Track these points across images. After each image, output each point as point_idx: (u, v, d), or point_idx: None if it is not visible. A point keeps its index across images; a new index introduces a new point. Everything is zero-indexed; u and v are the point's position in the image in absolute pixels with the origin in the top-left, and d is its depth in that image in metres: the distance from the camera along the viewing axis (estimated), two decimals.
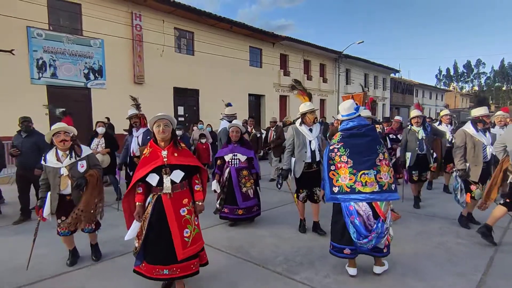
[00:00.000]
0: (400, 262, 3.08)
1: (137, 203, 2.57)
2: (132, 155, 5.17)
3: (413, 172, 4.98)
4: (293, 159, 3.84)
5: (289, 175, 3.91)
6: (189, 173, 2.63)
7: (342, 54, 22.14)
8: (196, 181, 2.69)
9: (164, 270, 2.46)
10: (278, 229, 4.14)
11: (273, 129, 7.69)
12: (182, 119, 13.87)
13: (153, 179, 2.50)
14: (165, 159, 2.50)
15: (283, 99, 19.45)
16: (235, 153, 4.26)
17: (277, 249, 3.51)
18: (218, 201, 4.31)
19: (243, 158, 4.26)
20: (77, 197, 3.06)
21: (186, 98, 14.30)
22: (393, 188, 2.72)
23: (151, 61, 12.59)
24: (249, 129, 7.65)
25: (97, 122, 6.27)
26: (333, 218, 2.91)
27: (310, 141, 3.74)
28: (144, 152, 2.64)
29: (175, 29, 13.62)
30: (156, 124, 2.55)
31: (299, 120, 3.86)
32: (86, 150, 3.22)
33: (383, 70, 28.55)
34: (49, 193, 2.99)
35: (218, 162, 4.37)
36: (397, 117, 6.91)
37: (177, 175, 2.53)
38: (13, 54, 9.51)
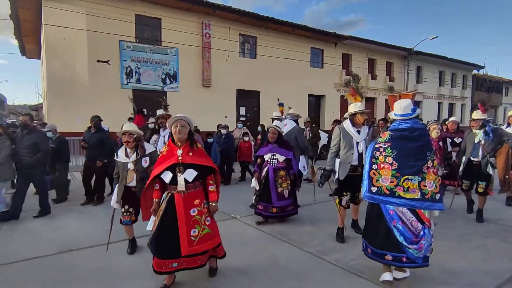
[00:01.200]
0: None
1: (154, 199, 2.72)
2: (159, 154, 5.62)
3: (464, 181, 4.66)
4: (337, 160, 3.70)
5: (331, 176, 3.80)
6: (203, 174, 2.70)
7: (412, 51, 20.74)
8: (210, 182, 2.75)
9: (173, 263, 2.60)
10: (316, 221, 4.49)
11: (307, 129, 7.66)
12: (244, 119, 14.82)
13: (166, 177, 2.62)
14: (179, 158, 2.60)
15: (344, 99, 19.11)
16: (274, 153, 4.34)
17: (314, 235, 3.91)
18: (254, 197, 4.49)
19: (281, 158, 4.33)
20: (140, 189, 3.23)
21: (248, 99, 15.23)
22: (437, 198, 2.58)
23: (217, 65, 13.80)
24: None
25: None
26: (371, 221, 2.79)
27: (357, 143, 3.61)
28: (162, 151, 2.80)
29: (240, 35, 14.64)
30: (173, 125, 2.66)
31: (347, 120, 3.75)
32: (149, 148, 3.50)
33: (463, 67, 25.72)
34: (116, 186, 3.32)
35: (258, 160, 4.51)
36: (452, 118, 6.46)
37: (190, 174, 2.62)
38: (109, 64, 11.55)
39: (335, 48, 18.02)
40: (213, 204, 2.72)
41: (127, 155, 3.35)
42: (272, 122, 5.57)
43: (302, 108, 16.25)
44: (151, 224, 2.74)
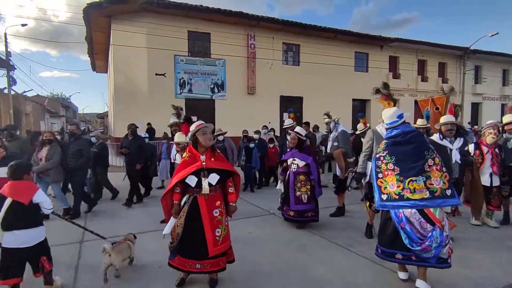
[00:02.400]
0: (457, 254, 3.20)
1: (174, 202, 2.83)
2: (172, 161, 5.53)
3: (502, 186, 4.53)
4: (369, 164, 3.71)
5: (362, 180, 3.86)
6: (223, 177, 2.87)
7: (468, 49, 19.41)
8: (230, 184, 2.91)
9: (197, 264, 2.72)
10: (349, 218, 4.82)
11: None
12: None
13: (192, 181, 2.74)
14: (203, 163, 2.75)
15: (458, 105, 18.51)
16: (294, 158, 4.47)
17: (344, 230, 4.27)
18: (280, 199, 4.77)
19: (301, 163, 4.41)
20: None
21: (291, 105, 15.61)
22: (448, 194, 2.61)
23: (261, 74, 14.52)
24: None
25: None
26: (382, 225, 2.92)
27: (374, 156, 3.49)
28: (183, 156, 2.90)
29: (283, 43, 15.22)
30: (202, 131, 2.80)
31: (381, 124, 3.70)
32: None
33: None
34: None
35: (284, 165, 4.67)
36: (492, 121, 6.10)
37: (213, 178, 2.77)
38: (165, 77, 12.91)
39: (381, 51, 17.68)
40: (233, 205, 2.90)
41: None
42: (285, 133, 5.86)
43: (346, 112, 16.21)
44: (169, 227, 2.82)
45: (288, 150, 4.86)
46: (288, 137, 5.53)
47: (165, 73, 12.85)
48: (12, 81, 16.63)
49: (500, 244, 3.79)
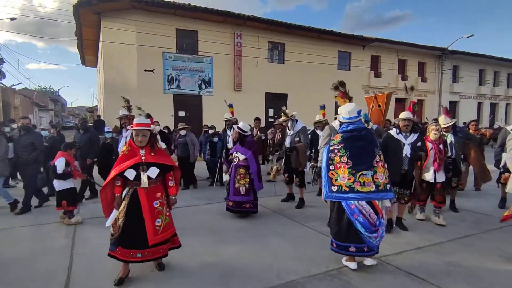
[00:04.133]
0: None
1: (116, 195, 2.90)
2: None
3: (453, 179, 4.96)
4: None
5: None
6: (164, 171, 2.98)
7: (447, 50, 20.34)
8: (170, 178, 3.03)
9: (138, 253, 2.81)
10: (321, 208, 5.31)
11: (279, 130, 7.57)
12: (272, 119, 15.95)
13: (130, 174, 2.82)
14: (142, 158, 2.85)
15: (417, 103, 19.33)
16: (237, 152, 4.73)
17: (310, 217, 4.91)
18: (226, 189, 5.07)
19: (241, 157, 4.65)
20: None
21: (276, 101, 16.31)
22: (388, 188, 2.91)
23: (247, 71, 15.08)
24: (254, 131, 7.74)
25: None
26: (334, 217, 3.04)
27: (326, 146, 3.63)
28: (123, 150, 2.98)
29: (269, 42, 15.80)
30: (135, 133, 2.91)
31: (337, 120, 4.01)
32: (162, 145, 4.05)
33: (507, 65, 24.33)
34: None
35: (230, 157, 4.94)
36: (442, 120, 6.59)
37: (153, 172, 2.87)
38: (154, 73, 13.35)
39: (363, 50, 18.42)
40: (173, 197, 3.05)
41: None
42: (225, 124, 6.35)
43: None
44: (111, 220, 2.89)
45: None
46: (229, 132, 6.08)
47: (153, 69, 13.30)
48: (1, 75, 16.80)
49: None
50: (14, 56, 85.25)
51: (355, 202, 2.86)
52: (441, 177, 4.35)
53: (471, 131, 6.43)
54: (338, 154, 2.96)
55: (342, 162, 2.92)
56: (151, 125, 3.53)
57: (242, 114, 14.50)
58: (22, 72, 78.97)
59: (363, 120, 3.27)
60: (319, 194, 4.22)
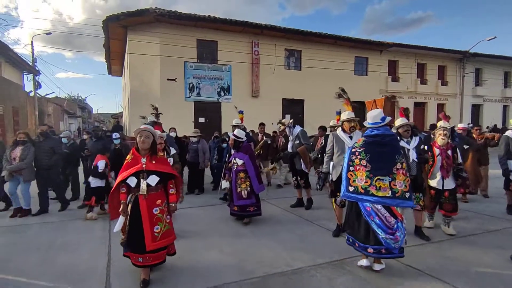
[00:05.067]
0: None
1: (122, 201, 3.02)
2: None
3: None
4: (331, 163, 4.08)
5: (327, 178, 4.20)
6: (165, 179, 3.06)
7: (468, 53, 19.97)
8: (171, 186, 3.11)
9: (139, 258, 2.92)
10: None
11: (282, 136, 7.38)
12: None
13: (132, 182, 2.94)
14: (143, 166, 2.93)
15: (406, 108, 19.23)
16: (235, 158, 4.87)
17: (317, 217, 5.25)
18: (223, 195, 5.25)
19: (240, 162, 4.80)
20: None
21: (292, 107, 16.67)
22: (406, 196, 2.91)
23: (265, 78, 15.56)
24: (259, 136, 7.87)
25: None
26: (352, 219, 3.15)
27: (349, 148, 3.72)
28: (127, 158, 3.07)
29: (286, 49, 16.23)
30: (138, 135, 2.99)
31: (340, 127, 4.16)
32: (172, 151, 4.22)
33: None
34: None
35: (229, 164, 5.00)
36: (461, 125, 6.48)
37: (153, 180, 2.95)
38: (176, 81, 14.10)
39: (380, 55, 18.46)
40: (173, 205, 3.11)
41: None
42: (233, 130, 6.04)
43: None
44: (120, 224, 3.04)
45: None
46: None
47: (176, 78, 14.04)
48: (37, 85, 18.20)
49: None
50: (47, 66, 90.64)
51: (371, 205, 2.94)
52: (449, 184, 4.22)
53: (474, 135, 6.49)
54: (359, 156, 3.05)
55: (361, 165, 3.02)
56: (157, 131, 3.66)
57: (259, 120, 14.91)
58: (54, 82, 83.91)
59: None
60: (331, 196, 4.23)
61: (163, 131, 4.35)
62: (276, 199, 6.14)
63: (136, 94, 13.90)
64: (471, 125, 6.67)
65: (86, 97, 59.16)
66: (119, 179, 2.98)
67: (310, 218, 4.98)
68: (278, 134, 7.86)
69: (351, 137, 3.99)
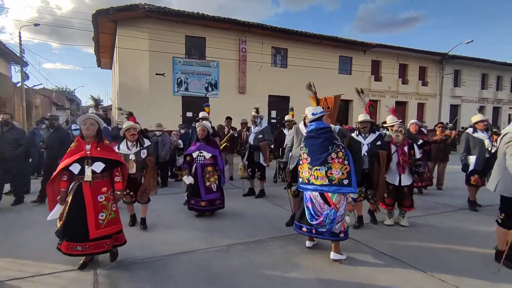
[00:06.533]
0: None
1: (62, 189, 2.97)
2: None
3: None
4: (291, 154, 4.29)
5: (286, 168, 4.34)
6: (111, 166, 3.05)
7: (447, 55, 20.85)
8: (117, 173, 3.11)
9: (78, 246, 2.85)
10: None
11: (245, 129, 7.79)
12: (274, 121, 16.88)
13: (75, 168, 2.91)
14: (88, 152, 2.91)
15: (373, 103, 19.99)
16: (201, 151, 4.70)
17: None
18: (186, 193, 4.89)
19: (208, 155, 4.70)
20: (140, 176, 3.96)
21: (278, 104, 17.24)
22: (345, 183, 3.14)
23: (251, 75, 16.06)
24: (226, 130, 8.10)
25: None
26: (298, 204, 3.67)
27: None
28: (71, 146, 3.05)
29: (272, 47, 16.74)
30: (83, 122, 2.99)
31: (302, 121, 4.38)
32: (147, 142, 4.15)
33: (510, 69, 24.61)
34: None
35: (188, 158, 4.80)
36: (413, 121, 6.77)
37: (98, 166, 2.93)
38: (164, 76, 14.47)
39: (364, 55, 19.15)
40: (118, 193, 3.12)
41: (128, 148, 4.00)
42: (197, 122, 5.90)
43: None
44: (55, 213, 2.98)
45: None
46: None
47: (164, 73, 14.41)
48: (25, 76, 18.22)
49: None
50: (34, 57, 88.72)
51: (310, 192, 3.27)
52: (406, 181, 4.38)
53: (437, 133, 7.12)
54: (302, 151, 3.44)
55: (304, 158, 3.37)
56: (131, 122, 3.97)
57: (245, 115, 15.51)
58: (41, 73, 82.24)
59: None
60: (288, 187, 4.47)
61: (136, 123, 4.17)
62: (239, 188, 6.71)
63: (125, 87, 14.22)
64: (418, 121, 7.05)
65: (74, 89, 58.47)
66: (61, 166, 2.91)
67: (282, 203, 5.52)
68: (242, 125, 8.08)
69: None
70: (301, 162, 3.42)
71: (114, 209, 3.04)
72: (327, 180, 3.17)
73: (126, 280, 2.85)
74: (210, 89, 15.49)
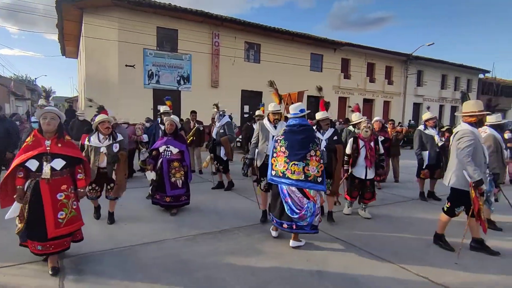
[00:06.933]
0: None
1: (18, 187, 2.79)
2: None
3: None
4: (257, 151, 4.29)
5: (252, 164, 4.34)
6: (72, 163, 2.93)
7: (411, 56, 22.06)
8: (79, 171, 3.01)
9: (38, 246, 2.77)
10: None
11: (213, 124, 7.53)
12: (247, 115, 17.07)
13: (32, 165, 2.74)
14: (47, 148, 2.77)
15: (342, 100, 20.83)
16: (168, 145, 4.59)
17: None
18: (150, 187, 4.73)
19: (175, 150, 4.59)
20: (110, 170, 3.88)
21: (251, 98, 17.43)
22: (318, 181, 3.28)
23: (224, 69, 16.08)
24: (191, 124, 8.12)
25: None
26: (274, 198, 3.54)
27: (273, 136, 4.11)
28: (26, 140, 2.88)
29: (245, 42, 16.84)
30: (42, 116, 2.81)
31: (266, 117, 4.42)
32: (119, 136, 4.07)
33: (467, 71, 26.53)
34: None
35: (154, 153, 4.67)
36: (377, 118, 7.10)
37: (58, 163, 2.81)
38: (134, 68, 14.12)
39: (334, 53, 19.79)
40: (81, 190, 3.04)
41: (100, 141, 3.91)
42: (160, 117, 6.12)
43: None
44: (13, 211, 2.86)
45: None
46: (162, 126, 5.77)
47: (134, 65, 14.06)
48: None
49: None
50: None
51: (286, 187, 3.32)
52: (371, 174, 4.61)
53: (388, 129, 7.57)
54: (279, 144, 3.43)
55: (281, 151, 3.39)
56: (103, 115, 3.87)
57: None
58: None
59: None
60: (255, 180, 4.53)
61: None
62: (209, 182, 6.83)
63: (93, 79, 13.73)
64: (381, 119, 7.51)
65: (36, 79, 54.73)
66: (16, 162, 2.76)
67: (249, 195, 5.71)
68: (212, 119, 8.04)
69: (275, 127, 4.25)
70: (275, 155, 3.44)
71: (74, 207, 2.94)
72: (303, 175, 3.26)
73: (94, 268, 2.92)
74: (182, 82, 15.34)
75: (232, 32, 16.13)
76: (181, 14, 14.47)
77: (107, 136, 3.92)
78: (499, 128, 4.55)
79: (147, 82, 14.49)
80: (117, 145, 3.97)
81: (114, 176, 3.95)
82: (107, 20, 13.19)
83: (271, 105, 4.36)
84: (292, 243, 3.48)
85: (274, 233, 3.73)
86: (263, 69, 17.19)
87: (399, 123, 21.47)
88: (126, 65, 13.94)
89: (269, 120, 4.33)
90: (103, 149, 3.86)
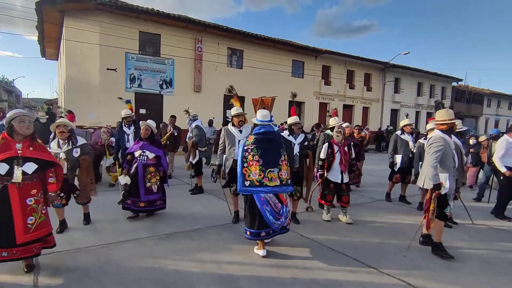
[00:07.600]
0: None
1: None
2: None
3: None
4: (224, 156, 4.35)
5: (221, 170, 4.43)
6: (43, 167, 2.87)
7: (388, 64, 22.97)
8: (50, 174, 2.95)
9: (3, 252, 2.67)
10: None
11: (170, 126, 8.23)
12: (229, 120, 17.28)
13: (2, 169, 2.67)
14: (19, 151, 2.70)
15: (323, 106, 21.42)
16: (144, 150, 4.51)
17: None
18: (122, 192, 4.62)
19: (151, 155, 4.51)
20: (71, 176, 3.74)
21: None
22: (289, 183, 3.44)
23: (207, 74, 16.30)
24: (168, 128, 8.25)
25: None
26: (247, 209, 3.44)
27: (239, 141, 4.21)
28: None
29: (228, 48, 17.14)
30: (19, 119, 2.74)
31: (230, 123, 4.45)
32: (81, 140, 3.92)
33: (441, 79, 27.80)
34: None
35: (128, 157, 4.60)
36: (345, 124, 7.11)
37: (30, 167, 2.74)
38: (116, 71, 14.14)
39: (315, 60, 20.38)
40: (52, 194, 2.95)
41: (59, 146, 3.79)
42: (122, 121, 5.94)
43: (283, 112, 18.61)
44: None
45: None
46: (127, 130, 5.84)
47: (116, 68, 14.08)
48: None
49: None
50: None
51: (265, 195, 3.32)
52: (347, 178, 4.72)
53: (355, 134, 7.97)
54: (251, 153, 3.36)
55: (254, 160, 3.33)
56: (64, 119, 3.85)
57: (201, 114, 15.70)
58: None
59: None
60: (225, 186, 4.60)
61: (74, 121, 4.20)
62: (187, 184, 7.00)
63: (73, 82, 13.65)
64: (350, 124, 7.89)
65: (14, 80, 53.05)
66: None
67: (218, 195, 5.93)
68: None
69: (240, 131, 4.32)
70: (246, 165, 3.35)
71: (44, 211, 2.89)
72: (278, 181, 3.35)
73: (68, 265, 3.07)
74: (165, 86, 15.45)
75: (215, 38, 16.41)
76: (164, 19, 14.63)
77: (66, 141, 3.79)
78: (459, 134, 4.91)
79: (129, 85, 14.51)
80: (78, 149, 3.84)
81: (76, 182, 3.86)
82: (89, 23, 13.19)
83: (234, 109, 4.40)
84: (262, 252, 3.44)
85: (262, 252, 3.45)
86: (246, 75, 17.53)
87: (363, 127, 22.26)
88: (108, 69, 13.94)
89: (233, 124, 4.38)
90: (62, 155, 3.73)
